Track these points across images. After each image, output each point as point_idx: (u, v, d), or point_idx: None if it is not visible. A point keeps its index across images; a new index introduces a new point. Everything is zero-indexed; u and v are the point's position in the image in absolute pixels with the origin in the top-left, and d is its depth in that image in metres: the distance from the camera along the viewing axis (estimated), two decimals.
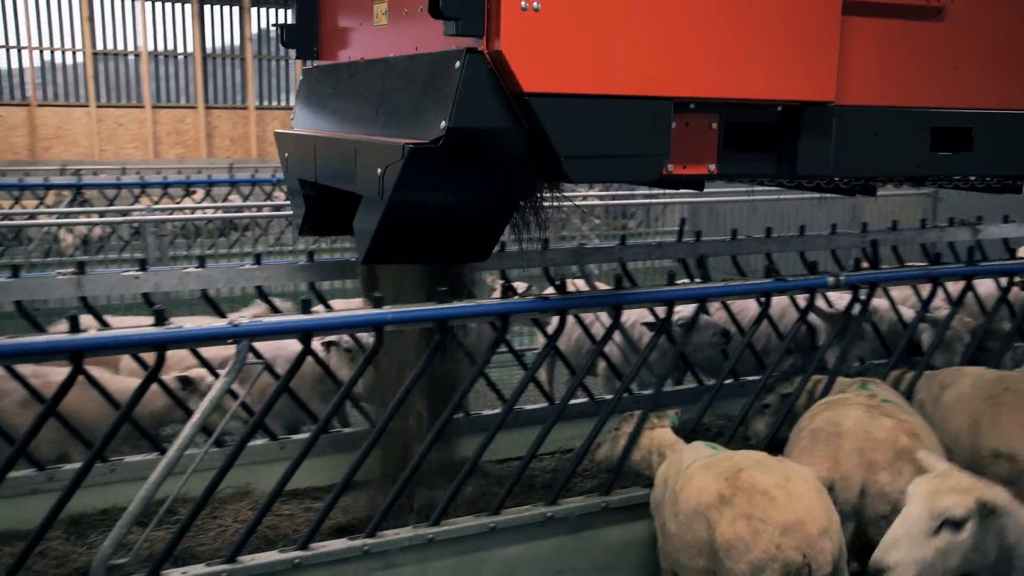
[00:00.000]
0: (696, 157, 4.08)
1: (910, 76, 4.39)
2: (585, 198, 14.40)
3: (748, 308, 6.82)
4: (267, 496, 4.15)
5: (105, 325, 5.18)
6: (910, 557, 3.31)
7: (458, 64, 3.42)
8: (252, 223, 13.73)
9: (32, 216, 12.37)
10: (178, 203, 14.30)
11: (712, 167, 4.13)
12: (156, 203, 14.09)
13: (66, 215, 12.29)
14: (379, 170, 3.72)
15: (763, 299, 5.18)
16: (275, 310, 5.87)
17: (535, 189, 4.78)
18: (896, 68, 4.34)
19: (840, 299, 6.54)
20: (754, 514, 3.72)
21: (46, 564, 4.60)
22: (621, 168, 3.91)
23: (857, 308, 5.46)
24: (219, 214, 12.73)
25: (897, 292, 7.33)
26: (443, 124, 3.46)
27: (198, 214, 12.78)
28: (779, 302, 6.48)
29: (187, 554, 4.61)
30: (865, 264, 6.08)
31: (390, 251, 4.17)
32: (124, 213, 12.66)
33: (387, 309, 4.25)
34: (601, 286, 7.02)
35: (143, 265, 5.36)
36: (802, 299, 5.59)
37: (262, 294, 5.81)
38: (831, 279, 5.12)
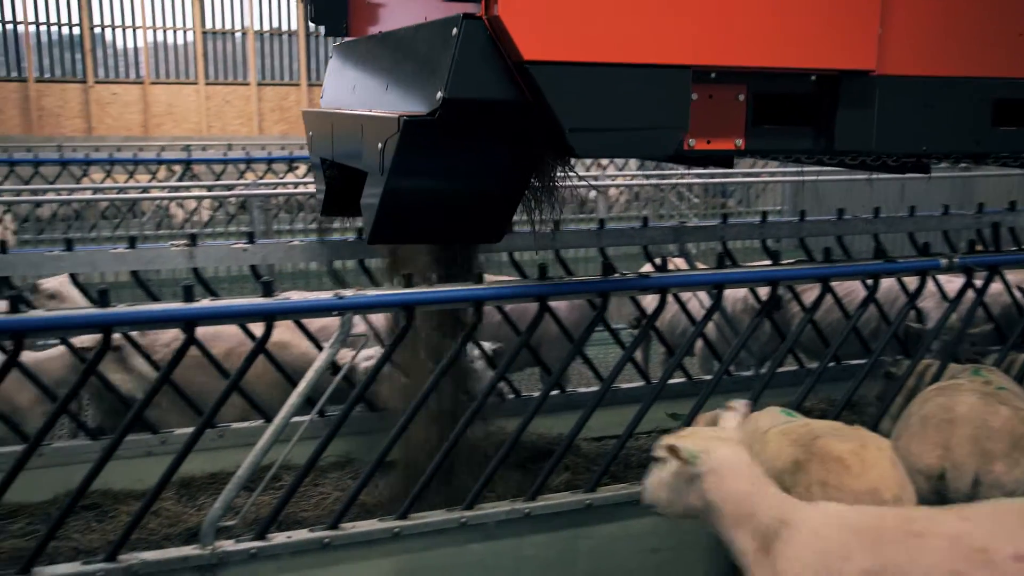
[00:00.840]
0: (721, 131, 3.77)
1: (967, 43, 4.02)
2: (683, 176, 14.21)
3: (856, 291, 6.63)
4: (369, 465, 4.23)
5: (215, 296, 5.35)
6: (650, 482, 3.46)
7: (455, 31, 3.22)
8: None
9: (145, 190, 12.84)
10: (282, 178, 14.64)
11: (739, 142, 3.82)
12: (261, 178, 14.46)
13: (176, 189, 12.71)
14: (379, 145, 3.58)
15: (871, 281, 5.03)
16: (375, 283, 5.97)
17: (546, 165, 4.50)
18: (950, 34, 3.99)
19: (949, 283, 6.31)
20: (828, 481, 3.66)
21: (159, 523, 4.80)
22: (633, 143, 3.64)
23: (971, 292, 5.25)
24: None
25: (1012, 276, 7.02)
26: (439, 95, 3.27)
27: (301, 188, 13.05)
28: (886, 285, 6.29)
29: (290, 519, 4.75)
30: (979, 247, 5.84)
31: (395, 230, 3.97)
32: (231, 188, 13.04)
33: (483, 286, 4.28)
34: (700, 265, 6.92)
35: (251, 238, 5.52)
36: (912, 282, 5.40)
37: (364, 267, 5.92)
38: (944, 261, 4.93)
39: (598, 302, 4.60)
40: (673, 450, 3.33)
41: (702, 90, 3.64)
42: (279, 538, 4.04)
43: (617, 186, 14.33)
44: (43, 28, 23.89)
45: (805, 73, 3.80)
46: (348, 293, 3.96)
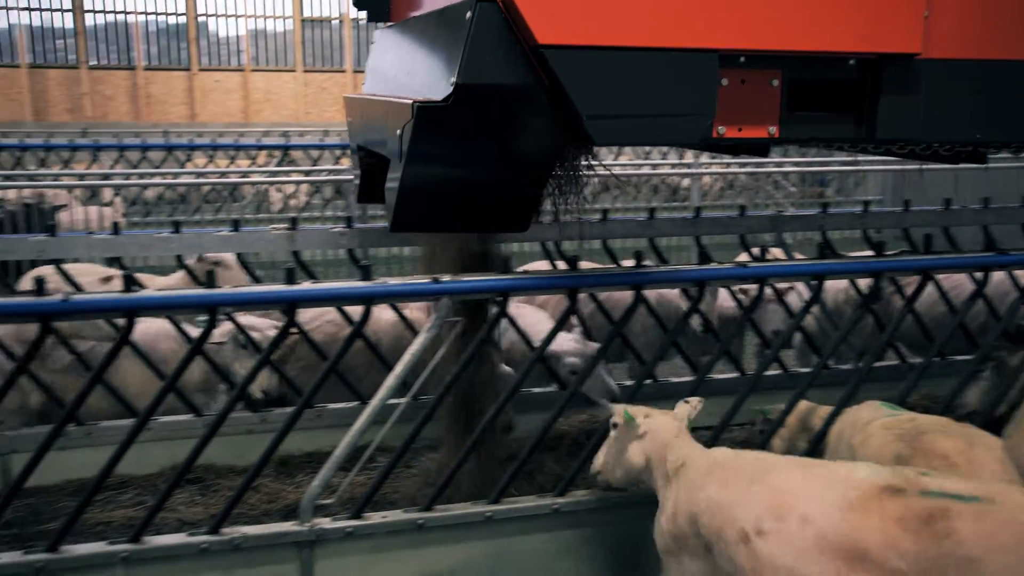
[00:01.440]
0: (753, 118, 3.61)
1: (1021, 24, 3.75)
2: (780, 164, 13.89)
3: (963, 285, 6.39)
4: (463, 451, 4.27)
5: (313, 278, 5.46)
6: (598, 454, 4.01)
7: (469, 14, 3.15)
8: None
9: (245, 175, 13.17)
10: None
11: (773, 130, 3.66)
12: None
13: (275, 174, 13.01)
14: (398, 131, 3.53)
15: (979, 274, 4.83)
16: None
17: (568, 153, 4.31)
18: (1004, 14, 3.74)
19: None
20: None
21: (259, 499, 4.95)
22: (655, 130, 3.50)
23: None
24: None
25: None
26: (452, 80, 3.20)
27: None
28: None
29: (384, 500, 4.84)
30: None
31: (417, 218, 3.87)
32: (328, 173, 13.28)
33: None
34: (798, 256, 6.77)
35: (349, 222, 5.61)
36: None
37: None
38: None
39: (693, 292, 4.54)
40: (622, 415, 3.82)
41: (733, 75, 3.50)
42: (375, 518, 4.13)
43: (711, 174, 14.10)
44: (151, 18, 24.72)
45: (843, 57, 3.62)
46: (446, 277, 4.00)
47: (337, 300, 4.15)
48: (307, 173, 13.34)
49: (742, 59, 3.48)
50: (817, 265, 4.64)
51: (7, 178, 10.61)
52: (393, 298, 4.25)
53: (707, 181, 14.83)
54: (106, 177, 11.83)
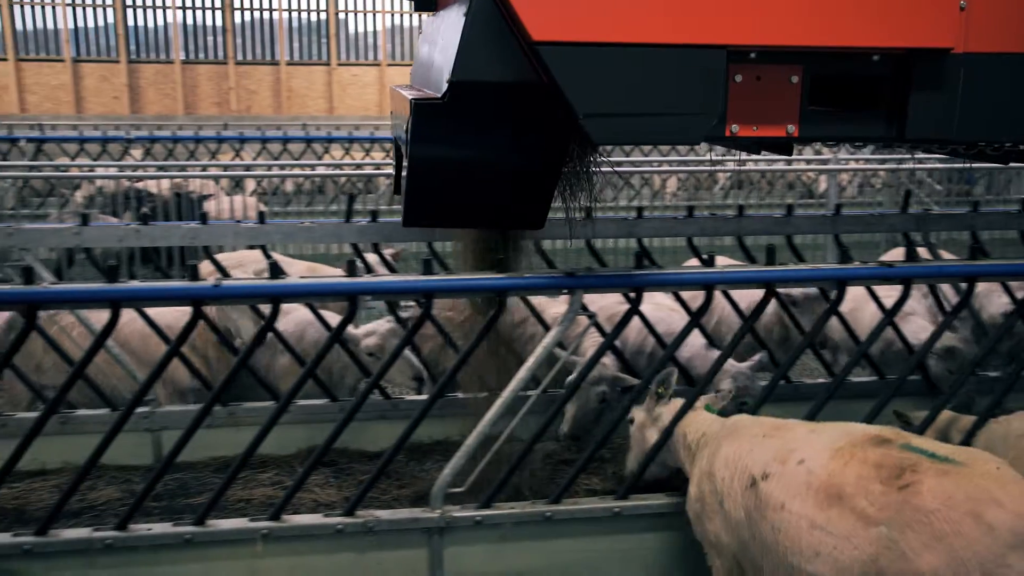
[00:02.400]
0: (771, 116, 3.45)
1: None
2: (922, 161, 13.29)
3: None
4: (591, 445, 4.26)
5: (447, 269, 5.56)
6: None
7: (465, 10, 3.08)
8: None
9: (379, 167, 13.49)
10: None
11: (792, 128, 3.48)
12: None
13: None
14: (405, 126, 3.49)
15: None
16: (602, 263, 5.98)
17: (575, 151, 4.13)
18: None
19: None
20: None
21: (390, 484, 5.06)
22: (655, 129, 3.38)
23: None
24: None
25: None
26: (447, 77, 3.16)
27: None
28: None
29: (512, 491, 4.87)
30: None
31: (428, 213, 3.89)
32: None
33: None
34: (945, 255, 6.46)
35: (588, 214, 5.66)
36: None
37: (590, 247, 5.95)
38: None
39: (832, 292, 4.39)
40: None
41: (747, 71, 3.35)
42: (503, 508, 4.16)
43: (849, 170, 13.62)
44: (294, 15, 25.59)
45: (868, 53, 3.40)
46: (579, 272, 3.99)
47: (471, 292, 4.19)
48: None
49: (752, 55, 3.32)
50: (968, 267, 4.42)
51: (160, 168, 11.21)
52: (523, 291, 4.26)
53: (844, 178, 14.32)
54: (249, 168, 12.35)
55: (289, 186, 14.09)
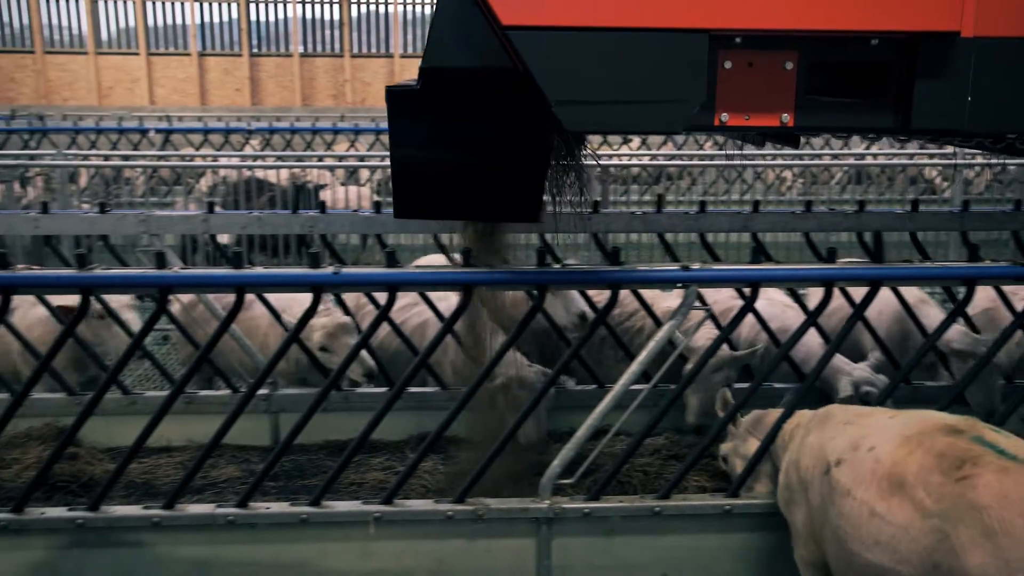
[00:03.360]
0: (763, 105, 3.25)
1: None
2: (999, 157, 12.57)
3: None
4: (705, 439, 4.21)
5: (558, 261, 5.56)
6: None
7: None
8: (684, 172, 13.87)
9: None
10: (616, 150, 14.85)
11: (787, 118, 3.27)
12: (596, 149, 14.72)
13: None
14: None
15: None
16: (674, 257, 5.88)
17: (558, 141, 3.94)
18: None
19: None
20: None
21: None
22: (633, 117, 3.20)
23: None
24: (652, 161, 13.00)
25: None
26: (420, 65, 3.11)
27: (635, 160, 13.18)
28: None
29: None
30: None
31: (417, 203, 3.76)
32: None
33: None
34: None
35: (595, 207, 5.66)
36: None
37: (704, 242, 5.86)
38: None
39: (958, 292, 4.21)
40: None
41: (737, 57, 3.16)
42: (612, 501, 4.15)
43: (975, 165, 13.03)
44: (408, 8, 26.01)
45: (866, 37, 3.17)
46: (695, 266, 3.94)
47: (585, 284, 4.19)
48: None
49: (738, 40, 3.14)
50: None
51: (279, 159, 11.55)
52: (640, 284, 4.24)
53: (969, 174, 13.71)
54: (363, 159, 12.61)
55: None
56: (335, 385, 4.20)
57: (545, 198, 4.04)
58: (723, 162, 12.30)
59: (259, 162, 11.21)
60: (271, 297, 5.45)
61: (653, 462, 5.14)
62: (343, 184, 12.62)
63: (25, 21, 28.55)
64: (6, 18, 29.55)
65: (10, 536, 3.93)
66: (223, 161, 11.09)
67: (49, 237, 5.89)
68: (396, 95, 3.33)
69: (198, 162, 11.70)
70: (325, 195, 10.93)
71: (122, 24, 28.64)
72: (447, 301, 5.29)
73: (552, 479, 4.11)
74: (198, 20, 25.72)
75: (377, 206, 5.79)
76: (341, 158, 12.76)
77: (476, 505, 4.09)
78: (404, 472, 4.16)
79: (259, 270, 4.08)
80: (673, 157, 13.28)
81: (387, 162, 11.84)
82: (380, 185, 13.27)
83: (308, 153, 13.73)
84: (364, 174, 13.07)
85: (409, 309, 5.75)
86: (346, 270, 3.99)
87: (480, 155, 3.58)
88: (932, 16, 3.17)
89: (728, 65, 3.20)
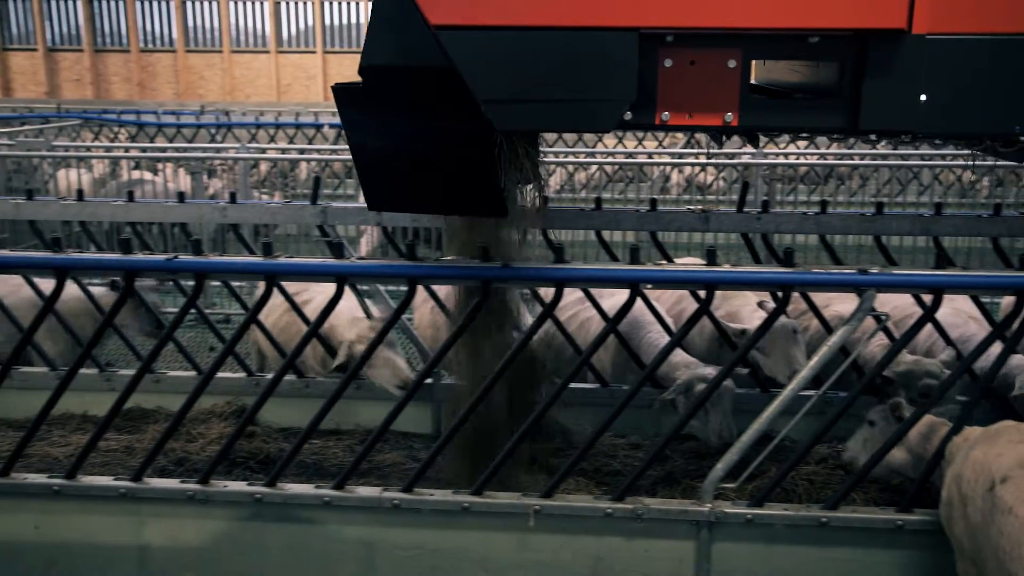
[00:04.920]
0: (706, 104, 3.18)
1: None
2: None
3: None
4: (878, 451, 4.04)
5: (668, 260, 5.48)
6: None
7: None
8: (854, 172, 13.33)
9: (650, 156, 13.48)
10: (782, 148, 14.43)
11: (730, 117, 3.18)
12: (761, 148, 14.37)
13: (680, 156, 13.15)
14: None
15: None
16: (837, 260, 5.66)
17: (501, 138, 3.72)
18: None
19: None
20: None
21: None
22: (562, 115, 3.20)
23: None
24: (821, 161, 12.55)
25: None
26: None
27: (801, 160, 12.77)
28: None
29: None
30: None
31: (386, 196, 3.87)
32: (730, 156, 13.19)
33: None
34: None
35: (765, 207, 5.52)
36: None
37: (880, 245, 5.63)
38: None
39: None
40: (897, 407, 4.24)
41: (679, 55, 3.11)
42: (776, 508, 4.05)
43: None
44: None
45: (806, 35, 3.07)
46: (874, 269, 3.79)
47: (754, 284, 4.10)
48: (709, 156, 13.33)
49: (670, 38, 3.08)
50: None
51: None
52: (813, 287, 4.11)
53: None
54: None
55: (582, 177, 14.32)
56: (495, 382, 4.24)
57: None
58: (897, 162, 11.76)
59: None
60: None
61: (819, 471, 4.97)
62: None
63: (215, 23, 30.48)
64: (198, 21, 31.65)
65: (196, 505, 4.19)
66: None
67: (235, 225, 6.24)
68: (341, 91, 3.44)
69: None
70: None
71: (301, 25, 30.13)
72: (612, 299, 5.30)
73: (714, 482, 4.04)
74: None
75: (544, 201, 5.82)
76: None
77: (636, 504, 4.08)
78: (564, 468, 4.18)
79: (431, 262, 4.18)
80: (843, 157, 12.82)
81: (570, 158, 12.04)
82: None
83: None
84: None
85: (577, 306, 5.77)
86: (514, 264, 4.03)
87: (427, 150, 3.65)
88: (877, 13, 3.08)
89: (668, 64, 3.18)
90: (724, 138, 4.86)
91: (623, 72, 3.12)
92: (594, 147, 14.70)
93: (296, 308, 5.54)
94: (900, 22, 3.09)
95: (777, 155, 13.38)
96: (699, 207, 5.47)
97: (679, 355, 4.96)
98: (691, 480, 4.77)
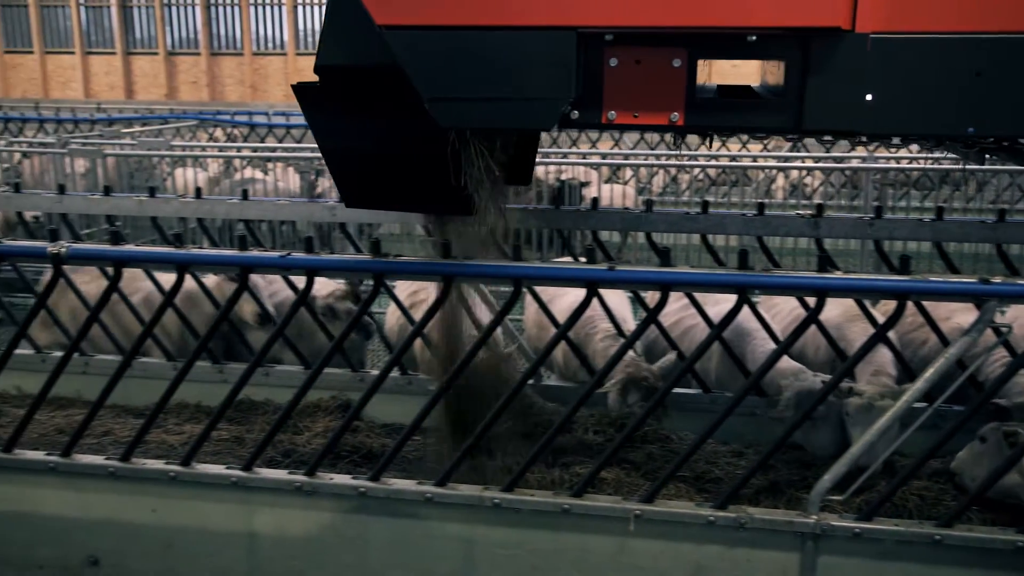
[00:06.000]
0: (652, 103, 3.18)
1: None
2: None
3: None
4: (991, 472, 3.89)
5: (775, 265, 5.36)
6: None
7: None
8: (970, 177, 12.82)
9: (755, 159, 13.24)
10: (894, 152, 13.98)
11: (676, 116, 3.16)
12: (872, 152, 13.98)
13: (786, 159, 12.87)
14: None
15: None
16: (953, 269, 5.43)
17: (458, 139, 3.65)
18: None
19: None
20: None
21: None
22: (503, 113, 3.24)
23: None
24: (935, 166, 12.11)
25: None
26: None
27: (914, 164, 12.37)
28: None
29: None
30: None
31: (360, 194, 4.01)
32: (839, 160, 12.87)
33: None
34: None
35: (878, 212, 5.37)
36: None
37: (1001, 253, 5.41)
38: None
39: None
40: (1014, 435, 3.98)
41: (624, 54, 3.11)
42: (886, 523, 3.93)
43: None
44: None
45: (746, 34, 3.02)
46: (996, 279, 3.64)
47: (868, 292, 3.98)
48: (816, 160, 13.02)
49: (609, 37, 3.08)
50: None
51: (543, 156, 11.85)
52: (932, 296, 3.97)
53: None
54: (627, 157, 12.67)
55: (660, 180, 14.22)
56: (598, 385, 4.22)
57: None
58: (1018, 167, 11.23)
59: None
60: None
61: (931, 487, 4.80)
62: (606, 182, 12.76)
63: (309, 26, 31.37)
64: (308, 25, 32.69)
65: (303, 496, 4.31)
66: None
67: (343, 223, 6.38)
68: (301, 90, 3.51)
69: None
70: (586, 193, 11.10)
71: None
72: (718, 307, 5.22)
73: (821, 494, 3.94)
74: None
75: (649, 205, 5.78)
76: (605, 156, 12.90)
77: (739, 512, 4.01)
78: (664, 475, 4.14)
79: (538, 264, 4.21)
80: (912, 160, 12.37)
81: (650, 160, 11.96)
82: (643, 184, 13.33)
83: (572, 151, 13.99)
84: (626, 173, 13.14)
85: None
86: (620, 266, 4.02)
87: (385, 149, 3.75)
88: (818, 12, 3.02)
89: (614, 63, 3.19)
90: (680, 138, 4.89)
91: (562, 71, 3.17)
92: (696, 149, 14.52)
93: (402, 308, 5.62)
94: (842, 21, 3.05)
95: (888, 159, 12.99)
96: (809, 212, 5.35)
97: (785, 361, 4.87)
98: (796, 490, 4.66)
